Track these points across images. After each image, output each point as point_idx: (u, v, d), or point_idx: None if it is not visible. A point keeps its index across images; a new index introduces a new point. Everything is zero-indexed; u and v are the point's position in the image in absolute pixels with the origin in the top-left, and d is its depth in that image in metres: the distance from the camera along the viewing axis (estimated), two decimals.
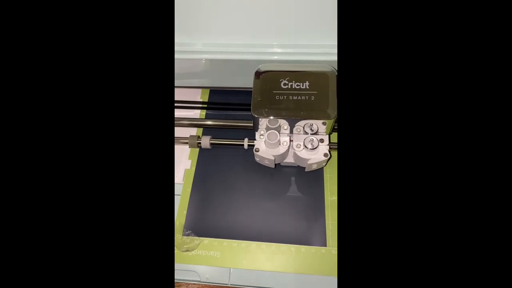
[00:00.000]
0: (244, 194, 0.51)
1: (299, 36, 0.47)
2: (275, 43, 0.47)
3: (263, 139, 0.45)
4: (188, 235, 0.48)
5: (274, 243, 0.47)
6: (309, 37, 0.47)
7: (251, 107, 0.43)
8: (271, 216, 0.49)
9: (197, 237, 0.48)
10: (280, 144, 0.45)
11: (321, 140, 0.45)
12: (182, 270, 0.47)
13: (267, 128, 0.45)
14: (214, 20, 0.45)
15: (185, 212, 0.50)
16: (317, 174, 0.52)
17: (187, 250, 0.47)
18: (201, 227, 0.49)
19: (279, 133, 0.44)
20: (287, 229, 0.48)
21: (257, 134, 0.46)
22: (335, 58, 0.46)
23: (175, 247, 0.48)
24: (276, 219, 0.49)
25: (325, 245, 0.47)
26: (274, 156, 0.45)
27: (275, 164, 0.48)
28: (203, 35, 0.48)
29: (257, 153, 0.45)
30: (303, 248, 0.47)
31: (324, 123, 0.44)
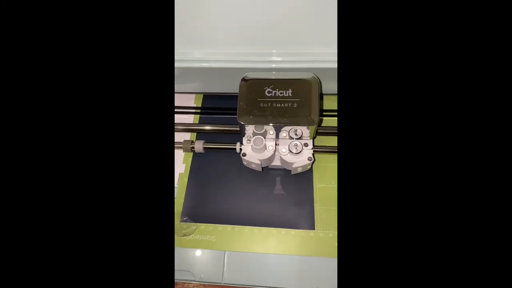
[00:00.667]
0: (237, 184, 0.55)
1: (288, 46, 0.50)
2: (265, 52, 0.51)
3: (250, 144, 0.48)
4: (185, 221, 0.52)
5: (266, 227, 0.51)
6: (298, 47, 0.50)
7: (237, 114, 0.46)
8: (263, 203, 0.53)
9: (193, 223, 0.52)
10: (266, 149, 0.48)
11: (305, 144, 0.48)
12: (178, 270, 0.50)
13: (253, 134, 0.48)
14: (210, 30, 0.48)
15: (182, 200, 0.54)
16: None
17: (184, 235, 0.51)
18: (197, 214, 0.53)
19: (265, 138, 0.47)
20: (278, 214, 0.52)
21: (244, 139, 0.49)
22: (321, 65, 0.49)
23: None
24: (267, 205, 0.53)
25: (313, 229, 0.51)
26: (260, 160, 0.48)
27: (262, 168, 0.51)
28: (198, 45, 0.51)
29: (244, 157, 0.48)
30: (293, 231, 0.51)
31: (308, 128, 0.47)
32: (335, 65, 0.49)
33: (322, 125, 0.59)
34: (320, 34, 0.48)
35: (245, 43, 0.49)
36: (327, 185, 0.54)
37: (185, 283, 0.50)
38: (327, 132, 0.57)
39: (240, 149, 0.51)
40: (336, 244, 0.49)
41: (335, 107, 0.60)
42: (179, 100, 0.63)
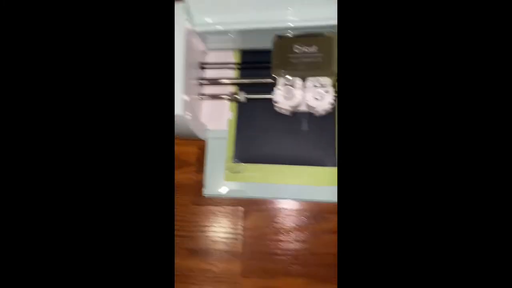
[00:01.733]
0: (276, 128, 0.68)
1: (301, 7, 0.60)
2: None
3: (282, 93, 0.60)
4: (236, 162, 0.67)
5: (298, 166, 0.65)
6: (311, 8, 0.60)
7: (271, 69, 0.58)
8: (296, 146, 0.67)
9: (242, 163, 0.67)
10: (294, 96, 0.60)
11: (327, 91, 0.60)
12: (234, 189, 0.66)
13: (284, 84, 0.60)
14: None
15: (232, 144, 0.69)
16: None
17: (236, 172, 0.66)
18: (245, 156, 0.68)
19: (293, 87, 0.60)
20: (308, 154, 0.66)
21: (276, 89, 0.61)
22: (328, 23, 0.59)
23: (228, 170, 0.67)
24: (300, 148, 0.67)
25: (335, 166, 0.64)
26: (290, 106, 0.60)
27: (292, 113, 0.63)
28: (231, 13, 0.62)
29: (276, 104, 0.61)
30: (319, 168, 0.65)
31: (329, 78, 0.58)
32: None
33: None
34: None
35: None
36: None
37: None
38: None
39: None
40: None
41: None
42: (220, 56, 0.73)
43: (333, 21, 0.58)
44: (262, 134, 0.68)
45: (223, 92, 0.70)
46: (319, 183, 0.64)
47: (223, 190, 0.67)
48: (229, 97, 0.68)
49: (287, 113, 0.62)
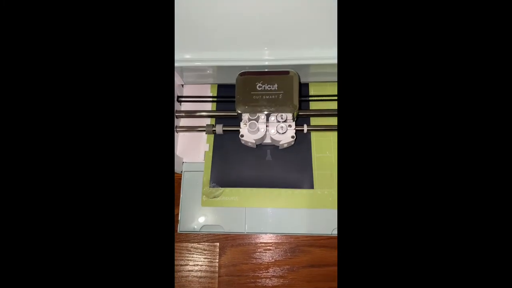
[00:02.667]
0: (252, 155, 0.72)
1: (277, 47, 0.65)
2: (265, 53, 0.67)
3: (246, 128, 0.65)
4: (213, 186, 0.70)
5: (276, 188, 0.69)
6: (285, 49, 0.65)
7: (235, 105, 0.64)
8: (274, 170, 0.71)
9: (220, 188, 0.70)
10: (258, 130, 0.65)
11: (289, 126, 0.65)
12: (211, 225, 0.68)
13: (249, 119, 0.65)
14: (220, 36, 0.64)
15: (209, 171, 0.71)
16: (306, 139, 0.73)
17: (214, 197, 0.69)
18: (222, 180, 0.71)
19: (257, 122, 0.65)
20: (285, 178, 0.70)
21: (241, 124, 0.66)
22: (303, 62, 0.65)
23: (205, 195, 0.69)
24: (277, 171, 0.71)
25: (312, 188, 0.69)
26: (254, 139, 0.65)
27: (256, 145, 0.69)
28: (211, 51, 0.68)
29: (242, 138, 0.66)
30: (296, 190, 0.69)
31: (290, 113, 0.63)
32: (314, 62, 0.65)
33: (316, 108, 0.75)
34: (302, 39, 0.63)
35: (240, 46, 0.65)
36: (323, 154, 0.71)
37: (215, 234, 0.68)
38: (321, 114, 0.73)
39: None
40: (331, 199, 0.67)
41: (323, 92, 0.76)
42: (198, 90, 0.79)
43: (300, 61, 0.65)
44: (239, 160, 0.72)
45: (199, 125, 0.74)
46: (297, 206, 0.68)
47: (199, 224, 0.69)
48: (206, 129, 0.72)
49: (253, 146, 0.67)
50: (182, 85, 0.77)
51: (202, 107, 0.77)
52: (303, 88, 0.78)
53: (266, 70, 0.66)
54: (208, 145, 0.74)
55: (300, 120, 0.74)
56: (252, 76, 0.64)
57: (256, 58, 0.66)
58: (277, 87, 0.63)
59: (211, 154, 0.73)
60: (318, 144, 0.72)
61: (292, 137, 0.63)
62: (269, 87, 0.63)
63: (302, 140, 0.72)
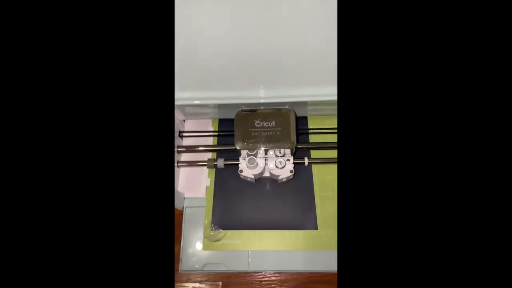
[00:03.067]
0: (254, 196, 0.72)
1: (271, 87, 0.69)
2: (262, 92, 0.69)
3: (245, 163, 0.67)
4: (215, 229, 0.70)
5: (280, 230, 0.69)
6: (279, 87, 0.68)
7: (234, 141, 0.66)
8: (276, 211, 0.71)
9: (222, 230, 0.69)
10: (257, 165, 0.67)
11: (288, 160, 0.67)
12: (213, 263, 0.67)
13: (248, 154, 0.67)
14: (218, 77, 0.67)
15: (210, 211, 0.71)
16: (308, 175, 0.74)
17: (216, 240, 0.68)
18: (224, 223, 0.70)
19: (256, 158, 0.67)
20: (288, 219, 0.70)
21: (240, 158, 0.68)
22: (297, 99, 0.68)
23: (206, 238, 0.68)
24: (280, 213, 0.71)
25: (316, 229, 0.69)
26: (253, 175, 0.67)
27: (255, 179, 0.70)
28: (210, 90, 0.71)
29: (241, 173, 0.68)
30: (300, 232, 0.69)
31: (288, 149, 0.65)
32: (310, 99, 0.68)
33: (316, 140, 0.77)
34: (298, 78, 0.66)
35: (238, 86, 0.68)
36: (326, 193, 0.72)
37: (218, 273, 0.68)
38: (323, 147, 0.75)
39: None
40: (335, 241, 0.66)
41: (321, 125, 0.78)
42: (200, 124, 0.81)
43: (296, 98, 0.68)
44: (241, 199, 0.72)
45: (201, 159, 0.76)
46: (301, 248, 0.68)
47: (201, 263, 0.68)
48: (208, 164, 0.74)
49: (252, 180, 0.69)
50: (184, 120, 0.79)
51: (203, 141, 0.79)
52: (302, 121, 0.80)
53: (262, 107, 0.68)
54: (209, 179, 0.75)
55: (300, 152, 0.76)
56: (250, 113, 0.67)
57: (254, 96, 0.69)
58: (274, 123, 0.65)
59: (212, 189, 0.73)
60: (320, 180, 0.73)
61: (291, 171, 0.65)
62: (267, 124, 0.65)
63: (303, 174, 0.73)
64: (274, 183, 0.72)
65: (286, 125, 0.65)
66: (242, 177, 0.68)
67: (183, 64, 0.61)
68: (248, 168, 0.66)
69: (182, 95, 0.69)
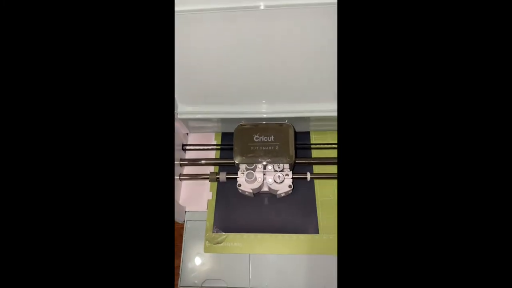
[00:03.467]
0: (255, 203, 0.73)
1: (272, 102, 0.70)
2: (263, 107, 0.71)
3: (244, 177, 0.68)
4: (216, 232, 0.70)
5: (280, 234, 0.69)
6: (284, 105, 0.70)
7: (233, 156, 0.67)
8: (278, 215, 0.71)
9: (223, 233, 0.70)
10: (256, 180, 0.68)
11: (287, 175, 0.68)
12: (212, 279, 0.66)
13: (246, 168, 0.68)
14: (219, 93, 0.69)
15: (212, 218, 0.72)
16: (310, 186, 0.74)
17: (217, 243, 0.69)
18: (225, 226, 0.71)
19: (254, 172, 0.68)
20: (289, 223, 0.70)
21: (239, 172, 0.69)
22: (297, 115, 0.70)
23: (208, 241, 0.69)
24: (281, 217, 0.71)
25: (318, 233, 0.69)
26: (251, 189, 0.68)
27: (254, 194, 0.71)
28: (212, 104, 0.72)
29: (239, 187, 0.68)
30: (301, 236, 0.69)
31: (287, 163, 0.66)
32: (312, 114, 0.69)
33: (319, 156, 0.77)
34: (300, 93, 0.67)
35: (240, 101, 0.70)
36: (327, 198, 0.72)
37: None
38: (324, 162, 0.76)
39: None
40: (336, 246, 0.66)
41: (324, 140, 0.79)
42: (203, 138, 0.82)
43: (298, 113, 0.70)
44: (242, 206, 0.73)
45: (203, 172, 0.77)
46: (302, 252, 0.68)
47: (201, 278, 0.67)
48: (210, 177, 0.74)
49: (250, 195, 0.69)
50: (187, 134, 0.80)
51: (206, 155, 0.80)
52: (304, 136, 0.81)
53: (263, 122, 0.69)
54: (211, 193, 0.75)
55: (302, 167, 0.76)
56: (249, 128, 0.67)
57: (255, 111, 0.70)
58: (273, 138, 0.66)
59: (214, 202, 0.74)
60: (321, 189, 0.74)
61: (289, 186, 0.66)
62: (265, 139, 0.66)
63: (305, 189, 0.74)
64: (274, 198, 0.72)
65: (285, 140, 0.66)
66: (240, 191, 0.68)
67: (186, 79, 0.62)
68: (246, 182, 0.66)
69: (185, 109, 0.71)
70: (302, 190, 0.74)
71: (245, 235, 0.70)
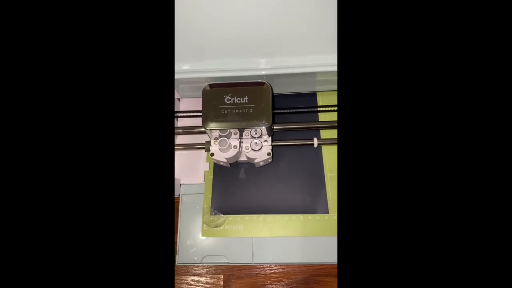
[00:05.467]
0: (257, 178, 0.66)
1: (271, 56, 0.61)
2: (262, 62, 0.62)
3: (217, 146, 0.61)
4: (215, 214, 0.64)
5: (286, 214, 0.63)
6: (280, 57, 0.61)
7: (202, 121, 0.60)
8: (282, 193, 0.64)
9: (222, 215, 0.64)
10: (231, 148, 0.61)
11: (265, 141, 0.59)
12: (213, 255, 0.62)
13: (220, 136, 0.61)
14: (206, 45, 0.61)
15: (210, 195, 0.66)
16: (317, 155, 0.67)
17: (216, 226, 0.63)
18: (225, 207, 0.65)
19: (228, 139, 0.60)
20: (296, 202, 0.63)
21: (212, 141, 0.62)
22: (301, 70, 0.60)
23: (206, 224, 0.64)
24: (286, 195, 0.64)
25: (327, 213, 0.62)
26: (226, 158, 0.61)
27: (230, 164, 0.64)
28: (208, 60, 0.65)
29: (212, 157, 0.62)
30: (309, 216, 0.62)
31: (265, 128, 0.57)
32: (315, 69, 0.60)
33: (326, 119, 0.68)
34: (304, 45, 0.58)
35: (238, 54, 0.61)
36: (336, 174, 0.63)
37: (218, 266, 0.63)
38: (331, 126, 0.66)
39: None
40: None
41: (332, 102, 0.70)
42: (196, 103, 0.75)
43: (302, 69, 0.61)
44: (243, 182, 0.67)
45: (198, 142, 0.71)
46: (311, 233, 0.61)
47: (200, 254, 0.63)
48: (206, 146, 0.68)
49: (226, 165, 0.62)
50: (179, 99, 0.75)
51: (200, 122, 0.74)
52: (311, 97, 0.72)
53: (237, 82, 0.60)
54: (208, 164, 0.70)
55: (309, 133, 0.68)
56: (220, 88, 0.60)
57: (254, 67, 0.62)
58: (247, 99, 0.58)
59: (211, 174, 0.68)
60: (330, 162, 0.65)
61: (268, 154, 0.57)
62: (238, 100, 0.58)
63: (313, 156, 0.66)
64: (278, 172, 0.66)
65: (261, 101, 0.57)
66: (214, 161, 0.61)
67: (180, 33, 0.56)
68: (220, 151, 0.59)
69: (179, 67, 0.64)
70: (308, 160, 0.66)
71: (247, 216, 0.63)
